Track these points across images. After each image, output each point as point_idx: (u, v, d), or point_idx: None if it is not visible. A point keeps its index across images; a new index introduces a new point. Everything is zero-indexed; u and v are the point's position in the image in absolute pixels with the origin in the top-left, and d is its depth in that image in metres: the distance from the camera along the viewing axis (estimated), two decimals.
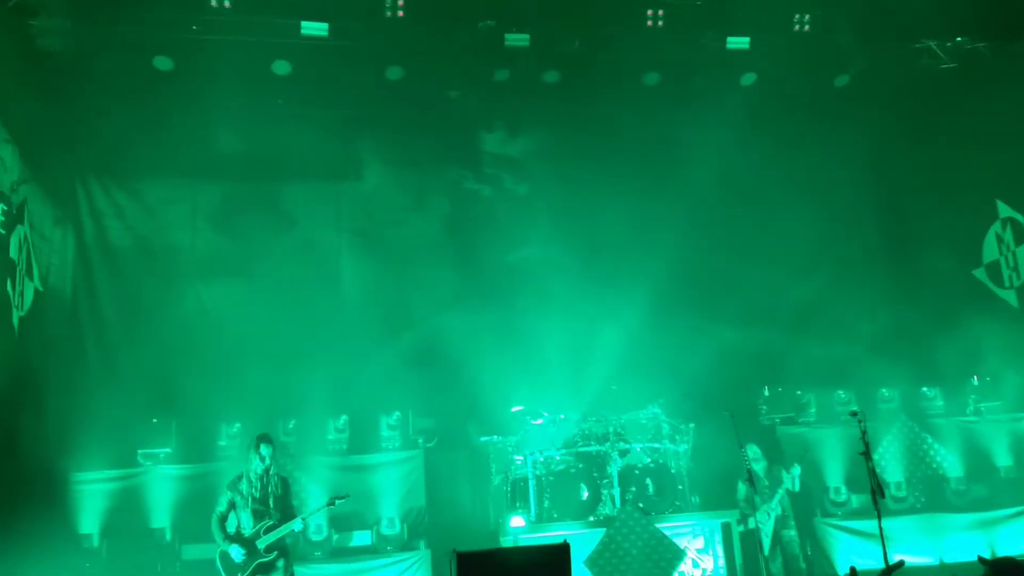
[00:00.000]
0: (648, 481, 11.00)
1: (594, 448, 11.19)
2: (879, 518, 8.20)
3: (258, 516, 8.65)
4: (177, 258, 13.41)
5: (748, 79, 13.12)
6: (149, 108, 12.45)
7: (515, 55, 12.65)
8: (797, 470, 10.87)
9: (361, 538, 11.63)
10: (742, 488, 10.71)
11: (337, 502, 9.16)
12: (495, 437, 12.13)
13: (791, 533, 10.91)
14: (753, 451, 10.99)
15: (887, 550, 8.21)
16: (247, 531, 8.60)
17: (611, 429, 11.21)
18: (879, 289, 14.27)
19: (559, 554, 6.94)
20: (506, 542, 10.55)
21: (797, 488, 10.99)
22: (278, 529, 8.60)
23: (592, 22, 12.44)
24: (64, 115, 12.27)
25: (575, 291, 13.17)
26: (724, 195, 13.72)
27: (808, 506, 11.94)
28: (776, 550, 10.75)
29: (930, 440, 12.79)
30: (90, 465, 11.43)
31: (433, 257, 13.97)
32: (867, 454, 8.34)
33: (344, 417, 12.37)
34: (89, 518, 11.23)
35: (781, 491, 10.81)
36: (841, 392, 13.06)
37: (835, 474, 12.30)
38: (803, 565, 10.88)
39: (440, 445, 12.74)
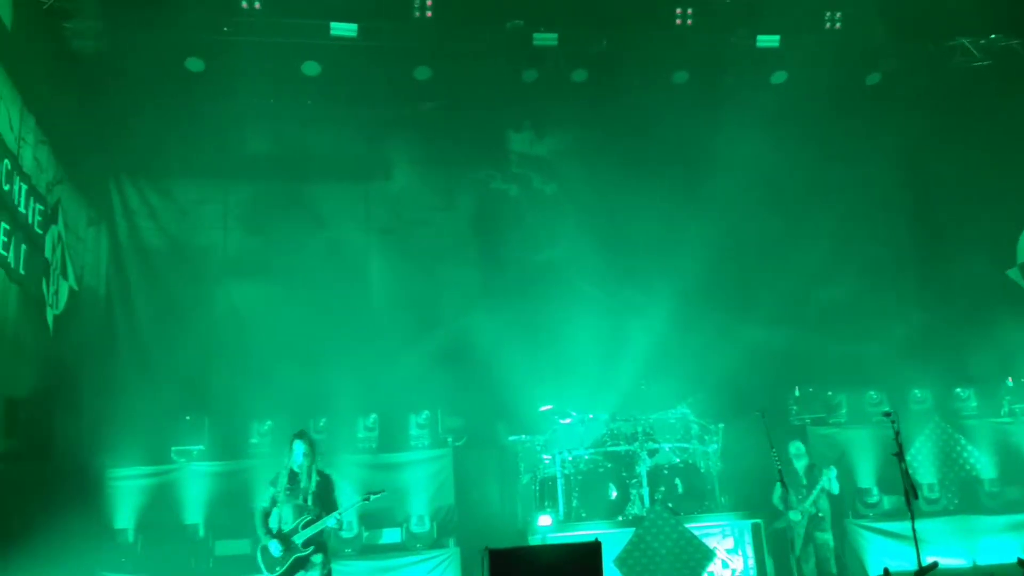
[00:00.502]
0: (677, 481, 10.98)
1: (623, 448, 11.18)
2: (912, 520, 8.14)
3: (297, 512, 8.71)
4: (209, 258, 13.52)
5: (778, 77, 13.09)
6: (181, 109, 12.57)
7: (543, 55, 12.69)
8: (833, 471, 10.72)
9: (391, 535, 11.71)
10: (779, 488, 10.65)
11: (372, 497, 9.18)
12: (523, 436, 12.16)
13: (825, 536, 10.73)
14: (796, 447, 11.01)
15: (920, 552, 8.16)
16: (287, 527, 8.67)
17: (640, 429, 11.20)
18: (911, 289, 14.18)
19: (591, 552, 6.94)
20: (534, 541, 10.58)
21: (836, 490, 10.82)
22: (315, 524, 8.65)
23: (621, 21, 12.46)
24: (97, 116, 12.37)
25: (603, 291, 13.22)
26: (754, 194, 13.62)
27: (840, 508, 11.87)
28: (809, 551, 10.62)
29: (963, 441, 12.67)
30: (125, 462, 11.57)
31: (461, 256, 14.00)
32: (900, 455, 8.28)
33: (374, 416, 12.43)
34: (124, 514, 11.36)
35: (816, 491, 10.67)
36: (873, 393, 12.98)
37: (867, 475, 12.22)
38: (834, 570, 10.71)
39: (469, 444, 12.77)
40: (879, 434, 11.49)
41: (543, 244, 14.16)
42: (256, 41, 11.89)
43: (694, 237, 13.25)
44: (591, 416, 11.71)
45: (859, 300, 13.61)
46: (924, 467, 12.41)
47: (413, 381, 12.40)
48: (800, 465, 10.93)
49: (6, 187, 9.17)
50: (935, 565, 8.48)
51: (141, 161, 13.36)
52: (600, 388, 12.40)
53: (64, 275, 11.30)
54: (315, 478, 8.90)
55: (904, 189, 14.84)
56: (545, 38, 12.39)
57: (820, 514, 10.73)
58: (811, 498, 10.66)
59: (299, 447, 8.87)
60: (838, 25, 12.43)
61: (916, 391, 13.00)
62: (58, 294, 11.04)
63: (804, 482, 10.82)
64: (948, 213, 14.70)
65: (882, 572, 8.15)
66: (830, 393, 13.11)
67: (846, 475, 12.07)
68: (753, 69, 13.06)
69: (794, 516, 10.50)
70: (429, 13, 11.92)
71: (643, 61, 12.92)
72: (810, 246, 13.85)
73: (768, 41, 12.58)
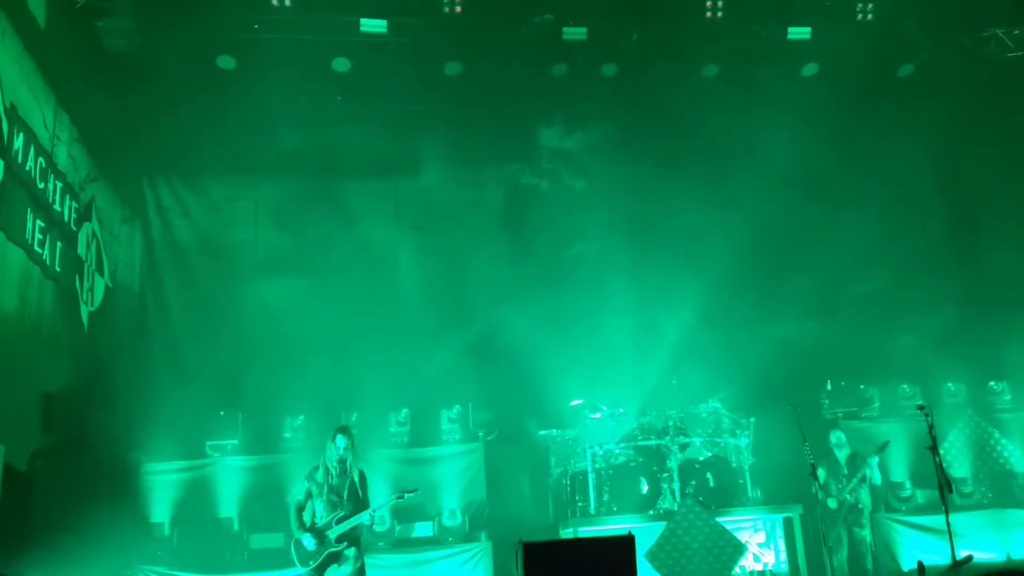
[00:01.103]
0: (708, 475, 10.98)
1: (654, 442, 11.18)
2: (946, 513, 8.09)
3: (332, 507, 8.76)
4: (240, 254, 13.64)
5: (810, 70, 13.02)
6: (212, 106, 12.63)
7: (573, 49, 12.67)
8: (875, 461, 10.58)
9: (423, 529, 11.77)
10: (822, 473, 10.52)
11: (406, 495, 9.22)
12: (554, 431, 12.20)
13: (863, 532, 10.57)
14: (837, 437, 10.91)
15: (954, 546, 8.11)
16: (321, 521, 8.73)
17: (671, 423, 11.19)
18: (944, 282, 14.03)
19: (624, 545, 6.96)
20: (566, 535, 10.61)
21: (878, 480, 10.75)
22: (349, 520, 8.70)
23: (650, 14, 12.42)
24: (130, 114, 12.51)
25: (634, 285, 13.18)
26: (784, 187, 13.53)
27: (873, 502, 11.80)
28: (842, 541, 10.46)
29: (997, 435, 12.56)
30: (160, 456, 11.68)
31: (491, 252, 13.99)
32: (934, 448, 8.22)
33: (405, 410, 12.47)
34: (160, 508, 11.47)
35: (856, 480, 10.52)
36: (905, 386, 12.87)
37: (899, 469, 12.12)
38: (869, 566, 10.58)
39: (500, 438, 12.80)
40: (911, 428, 11.36)
41: (573, 239, 14.16)
42: (286, 38, 11.92)
43: (725, 231, 13.19)
44: (622, 410, 11.74)
45: (892, 293, 13.50)
46: (958, 461, 12.30)
47: (444, 376, 12.45)
48: (842, 455, 10.81)
49: (40, 185, 9.31)
50: (969, 559, 8.44)
51: (173, 158, 13.50)
52: (631, 382, 12.39)
53: (99, 271, 11.44)
54: (351, 473, 8.95)
55: (937, 182, 14.67)
56: (575, 32, 12.36)
57: (860, 505, 10.58)
58: (850, 486, 10.52)
59: (341, 441, 8.89)
60: (870, 16, 12.31)
61: (950, 384, 12.87)
62: (93, 291, 11.18)
63: (845, 472, 10.68)
64: (982, 205, 14.57)
65: (916, 566, 8.08)
66: (862, 387, 13.00)
67: (879, 469, 12.00)
68: (784, 62, 13.00)
69: (832, 504, 10.42)
70: (458, 8, 11.92)
71: (673, 55, 12.87)
72: (842, 239, 13.74)
73: (799, 33, 12.48)
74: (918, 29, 12.64)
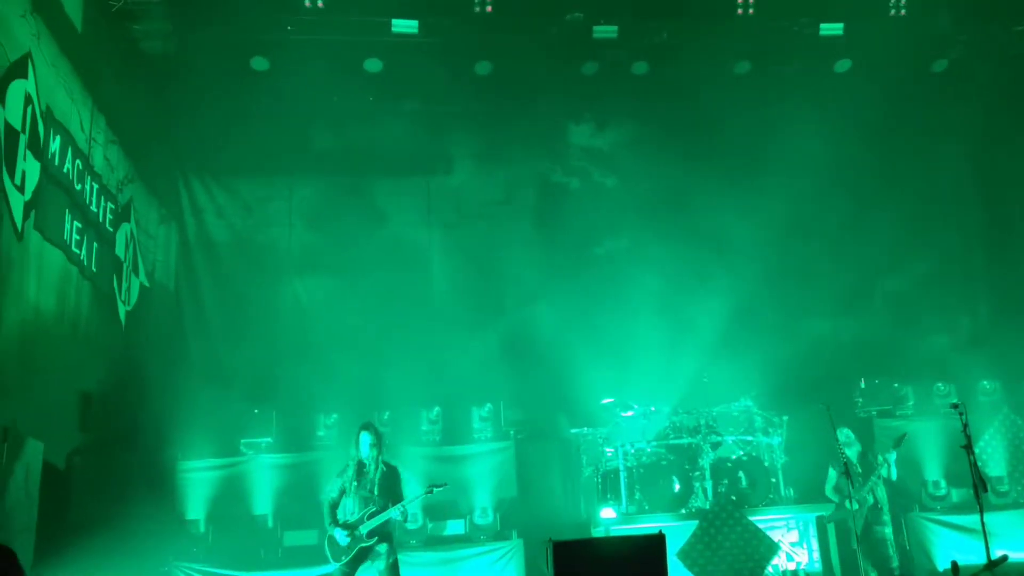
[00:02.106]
0: (741, 474, 10.92)
1: (685, 440, 11.15)
2: (981, 512, 8.01)
3: (363, 503, 8.82)
4: (274, 254, 13.76)
5: (842, 66, 12.91)
6: (246, 107, 12.76)
7: (603, 47, 12.64)
8: (893, 456, 10.33)
9: (455, 527, 11.78)
10: (832, 475, 10.39)
11: (436, 490, 9.29)
12: (585, 429, 12.22)
13: (885, 530, 10.32)
14: (845, 435, 10.47)
15: (989, 545, 8.02)
16: (353, 517, 8.80)
17: (703, 421, 11.15)
18: (980, 279, 13.90)
19: (655, 544, 6.95)
20: (597, 533, 10.61)
21: (895, 476, 10.44)
22: (380, 516, 8.76)
23: (681, 12, 12.35)
24: (166, 116, 12.67)
25: (665, 283, 13.14)
26: (817, 184, 13.45)
27: (906, 501, 11.70)
28: (871, 542, 10.25)
29: None
30: (195, 454, 11.81)
31: (522, 250, 13.99)
32: (969, 447, 8.13)
33: (437, 409, 12.52)
34: (195, 505, 11.60)
35: (873, 479, 10.28)
36: (940, 384, 12.68)
37: (934, 468, 12.01)
38: (895, 564, 10.33)
39: (531, 436, 12.85)
40: (947, 426, 11.23)
41: (604, 237, 14.17)
42: (319, 39, 12.02)
43: (756, 228, 13.13)
44: (653, 409, 11.71)
45: (926, 291, 13.40)
46: (993, 459, 12.12)
47: (476, 374, 12.50)
48: (851, 453, 10.46)
49: (78, 187, 9.45)
50: (1004, 558, 8.33)
51: (208, 159, 13.65)
52: (662, 381, 12.36)
53: (136, 272, 11.59)
54: (381, 469, 9.00)
55: (972, 178, 14.51)
56: (605, 30, 12.33)
57: (879, 504, 10.34)
58: (867, 486, 10.27)
59: (366, 438, 8.98)
60: (903, 11, 12.17)
61: (985, 382, 12.65)
62: (130, 290, 11.33)
63: (859, 470, 10.41)
64: (1017, 202, 14.37)
65: (950, 566, 8.00)
66: (896, 385, 12.87)
67: (913, 468, 11.88)
68: (816, 58, 12.90)
69: (850, 506, 10.30)
70: (489, 8, 11.93)
71: (704, 52, 12.78)
72: (876, 237, 13.67)
73: (832, 29, 12.36)
74: (952, 24, 12.48)
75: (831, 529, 10.54)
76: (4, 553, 3.11)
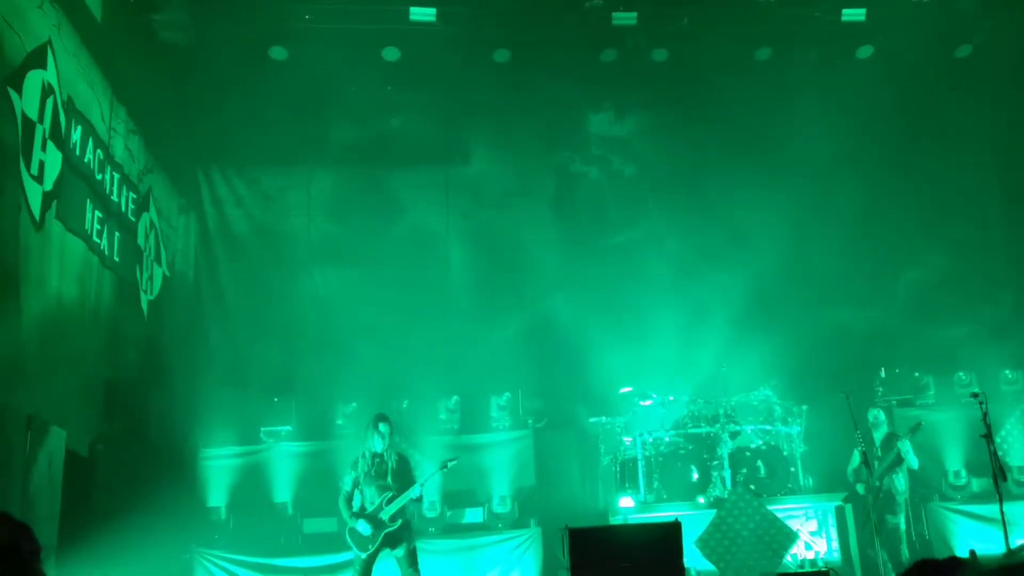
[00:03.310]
0: (759, 463, 10.91)
1: (704, 430, 11.15)
2: (1000, 502, 7.97)
3: (380, 490, 8.85)
4: (293, 243, 13.82)
5: (864, 52, 12.80)
6: (265, 97, 12.79)
7: (623, 34, 12.58)
8: (908, 444, 10.22)
9: (473, 515, 11.84)
10: (856, 457, 10.25)
11: (449, 464, 9.30)
12: (604, 418, 12.22)
13: (896, 520, 10.20)
14: (874, 415, 10.59)
15: (1008, 534, 7.99)
16: (371, 506, 8.83)
17: (721, 411, 11.15)
18: (1002, 269, 13.77)
19: (671, 532, 6.98)
20: (615, 522, 10.62)
21: (914, 464, 10.32)
22: (398, 499, 8.80)
23: None
24: (185, 106, 12.67)
25: (684, 272, 13.10)
26: (839, 172, 13.38)
27: (926, 491, 11.65)
28: (882, 533, 10.16)
29: None
30: (216, 442, 11.93)
31: (540, 239, 13.98)
32: (989, 436, 8.10)
33: (455, 397, 12.56)
34: (216, 492, 11.73)
35: (886, 465, 10.14)
36: (962, 374, 12.58)
37: (955, 458, 11.92)
38: (906, 556, 10.19)
39: (549, 425, 12.86)
40: (968, 416, 11.04)
41: (623, 226, 14.11)
42: (337, 28, 12.03)
43: (776, 216, 13.05)
44: (671, 398, 11.71)
45: (948, 280, 13.27)
46: (1015, 449, 12.06)
47: (494, 363, 12.51)
48: (878, 435, 10.47)
49: (98, 176, 9.52)
50: None
51: (227, 149, 13.68)
52: (681, 370, 12.35)
53: (158, 261, 11.69)
54: (394, 458, 9.05)
55: (995, 166, 14.35)
56: (624, 17, 12.25)
57: (893, 492, 10.21)
58: (879, 471, 10.16)
59: (381, 428, 9.00)
60: None
61: (1007, 372, 12.58)
62: (152, 280, 11.42)
63: (879, 454, 10.33)
64: None
65: (969, 555, 7.96)
66: (917, 374, 12.80)
67: (933, 457, 11.83)
68: (838, 44, 12.79)
69: (860, 489, 10.22)
70: None
71: (725, 38, 12.69)
72: (898, 225, 13.58)
73: (853, 15, 12.23)
74: (976, 9, 12.34)
75: (850, 519, 10.52)
76: (20, 527, 3.18)
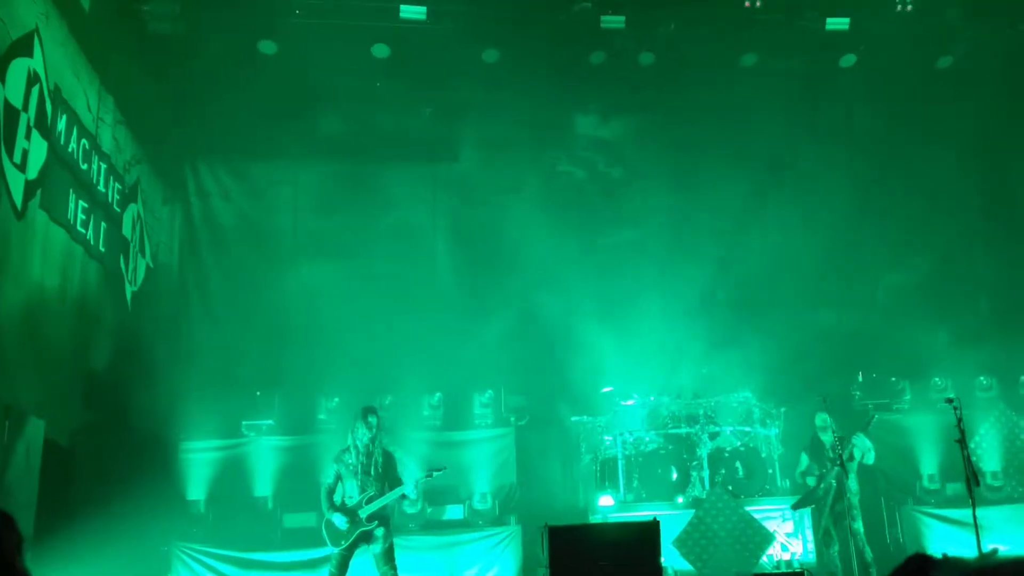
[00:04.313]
0: (738, 464, 11.03)
1: (684, 430, 11.25)
2: (973, 507, 8.06)
3: (362, 487, 8.86)
4: (279, 237, 13.80)
5: (848, 61, 12.90)
6: (254, 91, 12.76)
7: (611, 37, 12.63)
8: (862, 439, 10.01)
9: (454, 512, 11.86)
10: (804, 459, 10.30)
11: (435, 474, 9.34)
12: (585, 417, 12.29)
13: (856, 525, 9.83)
14: (821, 419, 10.22)
15: (981, 539, 8.08)
16: (351, 501, 8.85)
17: (701, 412, 11.26)
18: (980, 276, 13.91)
19: (649, 531, 7.04)
20: (595, 520, 10.69)
21: (871, 460, 10.16)
22: (380, 499, 8.82)
23: (688, 3, 12.33)
24: (173, 97, 12.65)
25: (667, 274, 13.18)
26: (821, 178, 13.50)
27: (900, 495, 11.75)
28: (832, 536, 10.00)
29: None
30: (197, 435, 11.90)
31: (526, 238, 14.01)
32: (962, 441, 8.17)
33: (438, 394, 12.60)
34: (196, 485, 11.69)
35: (838, 468, 9.75)
36: (937, 379, 12.71)
37: (929, 462, 12.05)
38: (870, 558, 9.87)
39: (531, 423, 12.92)
40: (943, 421, 11.07)
41: (608, 227, 14.18)
42: (327, 23, 12.00)
43: (760, 221, 13.16)
44: (652, 398, 11.79)
45: (926, 286, 13.39)
46: (988, 454, 12.18)
47: (477, 361, 12.54)
48: (827, 438, 10.12)
49: (84, 166, 9.50)
50: (995, 552, 8.40)
51: (215, 142, 13.63)
52: (662, 370, 12.42)
53: (142, 252, 11.66)
54: (380, 454, 9.07)
55: (976, 174, 14.50)
56: (613, 20, 12.31)
57: (849, 495, 9.76)
58: (834, 472, 9.88)
59: (372, 420, 9.01)
60: (909, 7, 12.15)
61: (982, 378, 12.72)
62: (136, 271, 11.40)
63: (831, 455, 10.03)
64: (1019, 200, 14.34)
65: (941, 559, 8.04)
66: (894, 379, 12.93)
67: (908, 461, 11.94)
68: (822, 52, 12.90)
69: (810, 481, 10.15)
70: None
71: (711, 44, 12.78)
72: (878, 231, 13.69)
73: (837, 24, 12.36)
74: (958, 20, 12.46)
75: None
76: (3, 518, 3.09)
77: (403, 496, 9.09)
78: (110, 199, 10.36)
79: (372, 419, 9.01)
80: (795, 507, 10.51)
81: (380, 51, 12.49)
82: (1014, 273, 13.79)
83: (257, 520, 11.59)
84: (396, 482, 9.02)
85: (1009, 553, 10.36)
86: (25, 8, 8.06)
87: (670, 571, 9.90)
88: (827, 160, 13.21)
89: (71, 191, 9.14)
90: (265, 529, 11.51)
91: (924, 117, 13.73)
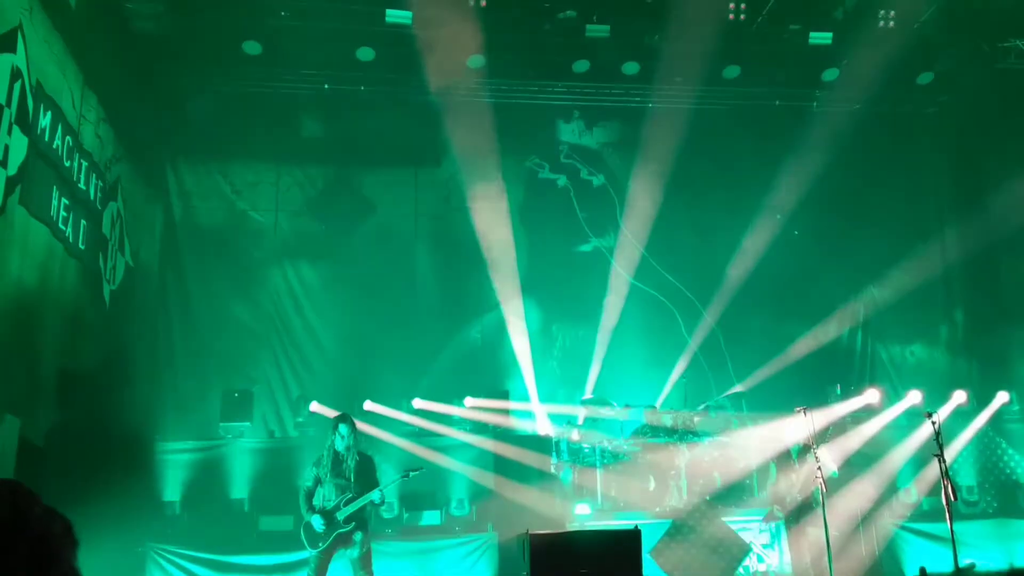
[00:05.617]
0: (716, 474, 11.05)
1: (662, 440, 11.27)
2: (950, 521, 8.10)
3: (340, 490, 8.88)
4: (260, 239, 13.73)
5: (830, 75, 13.02)
6: (237, 91, 12.74)
7: (595, 46, 12.69)
8: (820, 451, 9.42)
9: (431, 518, 11.79)
10: (773, 469, 10.34)
11: (412, 474, 9.33)
12: (564, 425, 12.27)
13: (823, 535, 9.21)
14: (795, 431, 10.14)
15: (957, 553, 8.14)
16: (329, 504, 8.85)
17: (680, 421, 11.28)
18: (957, 290, 14.04)
19: (631, 539, 7.05)
20: (573, 528, 10.68)
21: (835, 474, 10.20)
22: (357, 501, 8.82)
23: (673, 14, 12.40)
24: (157, 96, 12.57)
25: (649, 283, 13.23)
26: (801, 190, 13.58)
27: (877, 509, 11.80)
28: (810, 548, 9.92)
29: (1004, 445, 12.57)
30: (174, 435, 11.83)
31: (507, 245, 14.02)
32: (941, 456, 8.21)
33: (417, 398, 12.54)
34: (172, 487, 11.59)
35: (803, 477, 9.78)
36: (915, 392, 12.81)
37: (906, 476, 12.17)
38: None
39: (510, 430, 12.88)
40: (920, 435, 11.38)
41: (589, 235, 14.21)
42: (312, 26, 11.99)
43: (740, 233, 13.22)
44: (631, 408, 11.80)
45: (905, 300, 13.50)
46: (964, 469, 12.31)
47: (457, 366, 12.52)
48: (794, 449, 10.27)
49: (67, 163, 9.39)
50: (972, 566, 8.46)
51: (197, 142, 13.53)
52: (642, 380, 12.47)
53: (122, 251, 11.54)
54: (356, 458, 9.06)
55: (953, 191, 14.67)
56: (597, 29, 12.39)
57: (814, 506, 9.67)
58: (799, 485, 10.02)
59: (342, 429, 9.04)
60: (892, 23, 12.28)
61: (959, 392, 12.82)
62: (115, 270, 11.28)
63: (796, 464, 10.18)
64: (998, 214, 14.48)
65: (918, 573, 8.10)
66: (871, 391, 13.00)
67: (885, 476, 12.00)
68: (805, 66, 13.01)
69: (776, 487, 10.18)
70: (484, 2, 11.92)
71: (695, 55, 12.84)
72: (858, 245, 13.79)
73: (820, 38, 12.47)
74: (939, 37, 12.61)
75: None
76: (63, 526, 2.81)
77: (372, 503, 9.05)
78: (92, 197, 10.26)
79: (344, 427, 9.03)
80: (764, 521, 10.51)
81: (365, 54, 12.47)
82: (991, 288, 13.96)
83: (233, 522, 11.49)
84: (374, 485, 9.02)
85: (985, 568, 10.49)
86: (9, 4, 7.95)
87: None
88: (806, 174, 13.26)
89: (54, 187, 9.04)
90: (241, 532, 11.41)
91: (905, 132, 13.85)
